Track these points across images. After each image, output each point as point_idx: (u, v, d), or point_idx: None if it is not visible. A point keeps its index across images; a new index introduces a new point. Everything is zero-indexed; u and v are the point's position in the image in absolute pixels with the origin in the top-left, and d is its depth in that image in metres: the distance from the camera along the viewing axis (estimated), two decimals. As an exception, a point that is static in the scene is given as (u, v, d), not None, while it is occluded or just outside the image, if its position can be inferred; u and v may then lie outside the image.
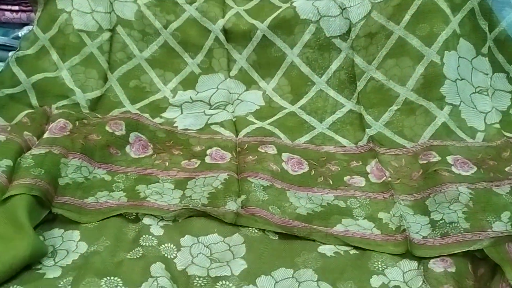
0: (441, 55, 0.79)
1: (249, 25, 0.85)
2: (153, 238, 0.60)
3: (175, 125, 0.83)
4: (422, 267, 0.57)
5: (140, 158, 0.75)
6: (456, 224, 0.59)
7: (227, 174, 0.69)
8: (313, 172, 0.73)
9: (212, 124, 0.82)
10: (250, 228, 0.63)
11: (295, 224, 0.61)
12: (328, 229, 0.61)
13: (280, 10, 0.88)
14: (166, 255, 0.58)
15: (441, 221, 0.60)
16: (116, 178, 0.71)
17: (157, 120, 0.82)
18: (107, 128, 0.75)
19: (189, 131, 0.80)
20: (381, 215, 0.64)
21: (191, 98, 0.85)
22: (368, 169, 0.73)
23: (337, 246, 0.60)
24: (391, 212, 0.64)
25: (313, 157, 0.77)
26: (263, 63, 0.87)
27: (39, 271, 0.56)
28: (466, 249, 0.56)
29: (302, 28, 0.86)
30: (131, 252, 0.58)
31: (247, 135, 0.80)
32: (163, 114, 0.84)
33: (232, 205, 0.63)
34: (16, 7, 1.00)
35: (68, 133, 0.73)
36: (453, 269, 0.55)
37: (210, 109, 0.85)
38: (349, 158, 0.76)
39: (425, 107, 0.77)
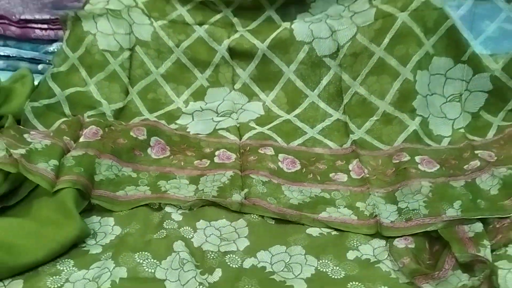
0: (414, 73, 0.88)
1: (251, 45, 0.94)
2: (174, 222, 0.69)
3: (187, 130, 0.91)
4: (388, 244, 0.66)
5: (159, 159, 0.84)
6: (417, 211, 0.69)
7: (233, 172, 0.78)
8: (304, 170, 0.82)
9: (219, 129, 0.90)
10: (252, 215, 0.71)
11: (288, 211, 0.72)
12: (315, 215, 0.71)
13: (278, 31, 0.94)
14: (185, 235, 0.67)
15: (406, 209, 0.70)
16: (141, 175, 0.79)
17: (172, 126, 0.91)
18: (131, 133, 0.84)
19: (199, 135, 0.89)
20: (358, 204, 0.74)
21: (201, 107, 0.94)
22: (350, 167, 0.82)
23: (321, 228, 0.70)
24: (366, 202, 0.74)
25: (305, 157, 0.85)
26: (263, 78, 0.95)
27: (84, 248, 0.65)
28: (424, 230, 0.66)
29: (297, 49, 0.93)
30: (157, 234, 0.67)
31: (249, 139, 0.88)
32: (177, 121, 0.93)
33: (237, 197, 0.73)
34: (45, 26, 1.09)
35: (99, 137, 0.82)
36: (412, 246, 0.65)
37: (217, 116, 0.93)
38: (335, 158, 0.85)
39: (399, 118, 0.87)
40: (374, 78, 0.90)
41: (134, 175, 0.80)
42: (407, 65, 0.88)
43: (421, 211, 0.69)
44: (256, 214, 0.72)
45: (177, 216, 0.71)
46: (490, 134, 0.87)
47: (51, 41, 1.11)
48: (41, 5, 1.16)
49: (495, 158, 0.80)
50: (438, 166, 0.79)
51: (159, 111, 0.95)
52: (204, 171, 0.81)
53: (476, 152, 0.81)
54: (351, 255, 0.65)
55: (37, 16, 1.10)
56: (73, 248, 0.65)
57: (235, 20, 0.97)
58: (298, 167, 0.83)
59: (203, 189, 0.76)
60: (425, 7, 0.88)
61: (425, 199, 0.71)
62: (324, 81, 0.94)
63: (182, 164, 0.83)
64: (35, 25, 1.11)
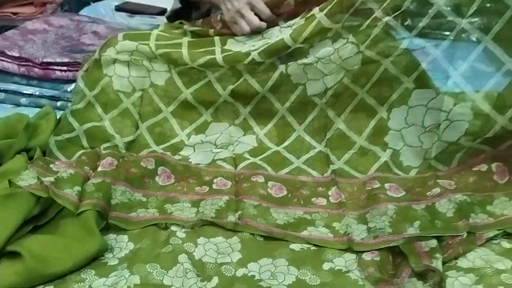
0: (388, 112, 0.97)
1: (252, 89, 1.02)
2: (178, 239, 0.79)
3: (189, 160, 0.99)
4: (357, 257, 0.77)
5: (166, 185, 0.93)
6: (383, 230, 0.79)
7: (228, 197, 0.87)
8: (290, 195, 0.91)
9: (217, 160, 0.99)
10: (244, 233, 0.81)
11: (274, 230, 0.82)
12: (297, 234, 0.81)
13: (277, 74, 1.01)
14: (188, 249, 0.76)
15: (374, 228, 0.80)
16: (150, 199, 0.89)
17: (176, 157, 1.00)
18: (141, 163, 0.94)
19: (200, 165, 0.98)
20: (334, 224, 0.84)
21: (201, 140, 1.03)
22: (329, 193, 0.92)
23: (302, 244, 0.79)
24: (341, 222, 0.84)
25: (291, 184, 0.94)
26: (259, 114, 1.05)
27: (103, 261, 0.75)
28: (388, 245, 0.77)
29: (293, 90, 1.02)
30: (164, 248, 0.76)
31: (243, 168, 0.97)
32: (181, 152, 1.02)
33: (231, 218, 0.83)
34: (65, 68, 1.21)
35: (114, 167, 0.91)
36: (378, 258, 0.75)
37: (215, 148, 1.02)
38: (317, 185, 0.94)
39: (373, 151, 0.98)
40: (353, 116, 1.00)
41: (144, 199, 0.90)
42: (383, 105, 0.97)
43: (386, 230, 0.79)
44: (248, 232, 0.82)
45: (181, 234, 0.81)
46: (454, 163, 0.94)
47: (70, 81, 1.22)
48: (60, 49, 1.30)
49: (454, 186, 0.90)
50: (404, 193, 0.89)
51: (165, 144, 1.04)
52: (204, 196, 0.90)
53: (438, 181, 0.91)
54: (326, 266, 0.75)
55: (58, 59, 1.22)
56: (94, 260, 0.75)
57: (242, 68, 1.04)
58: (285, 192, 0.92)
59: (203, 211, 0.85)
60: (405, 52, 0.95)
61: (390, 220, 0.81)
62: (310, 117, 1.03)
63: (185, 190, 0.92)
64: (56, 67, 1.22)
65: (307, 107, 1.03)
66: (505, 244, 0.78)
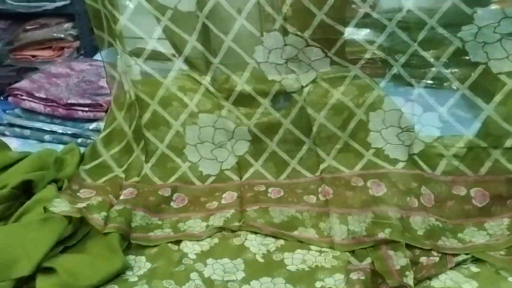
0: (366, 115, 1.04)
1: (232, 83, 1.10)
2: (190, 259, 0.87)
3: (199, 169, 1.11)
4: (345, 277, 0.83)
5: (179, 207, 1.04)
6: (360, 232, 0.92)
7: (234, 210, 0.99)
8: (286, 195, 1.04)
9: (225, 170, 1.11)
10: (247, 255, 0.89)
11: (272, 229, 0.96)
12: (290, 233, 0.95)
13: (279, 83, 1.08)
14: (198, 269, 0.85)
15: (352, 230, 0.93)
16: (165, 221, 1.00)
17: (186, 164, 1.11)
18: (159, 192, 1.06)
19: (211, 177, 1.10)
20: (320, 225, 0.96)
21: (199, 138, 1.12)
22: (319, 190, 1.03)
23: (297, 265, 0.87)
24: (326, 222, 0.96)
25: (287, 187, 1.06)
26: (244, 103, 1.11)
27: (125, 277, 0.84)
28: (362, 247, 0.90)
29: (270, 86, 1.08)
30: (177, 267, 0.85)
31: (247, 179, 1.09)
32: (185, 152, 1.12)
33: (236, 224, 0.96)
34: (87, 108, 1.31)
35: (134, 196, 1.03)
36: (363, 277, 0.81)
37: (215, 149, 1.11)
38: (308, 184, 1.06)
39: (357, 149, 1.06)
40: (333, 113, 1.06)
41: (159, 222, 1.00)
42: (360, 108, 1.04)
43: (362, 232, 0.93)
44: (250, 254, 0.91)
45: (192, 255, 0.90)
46: (439, 170, 1.00)
47: (90, 120, 1.32)
48: (82, 91, 1.42)
49: (433, 202, 0.97)
50: (386, 190, 0.98)
51: (167, 139, 1.13)
52: (213, 211, 1.02)
53: (422, 188, 0.97)
54: (318, 284, 0.83)
55: (81, 101, 1.32)
56: (117, 277, 0.84)
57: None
58: (282, 193, 1.05)
59: (212, 224, 0.98)
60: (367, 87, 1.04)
61: (366, 226, 0.94)
62: (302, 152, 1.11)
63: (197, 209, 1.04)
64: (79, 108, 1.32)
65: (291, 99, 1.09)
66: (473, 268, 0.87)
